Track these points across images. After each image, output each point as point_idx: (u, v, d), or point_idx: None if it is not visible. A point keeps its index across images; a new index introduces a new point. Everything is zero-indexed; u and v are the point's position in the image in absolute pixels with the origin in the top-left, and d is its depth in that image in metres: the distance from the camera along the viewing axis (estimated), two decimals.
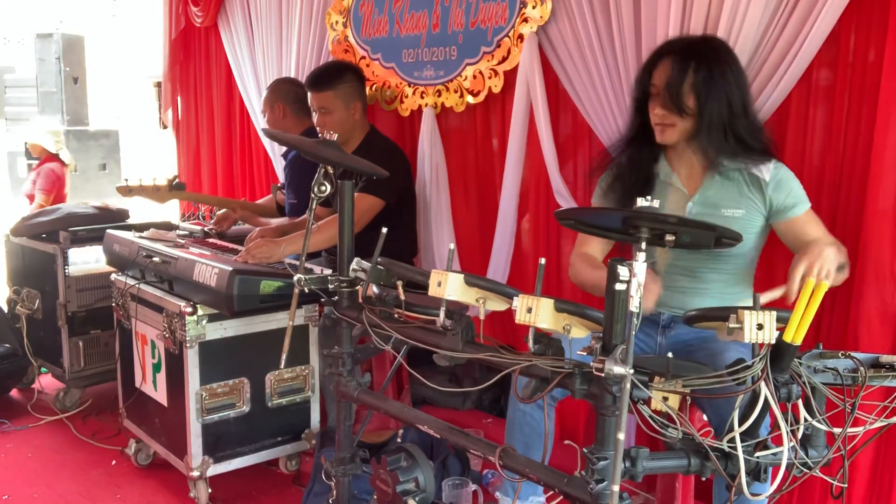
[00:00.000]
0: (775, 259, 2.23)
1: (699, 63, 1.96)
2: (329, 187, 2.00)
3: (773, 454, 1.35)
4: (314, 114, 3.06)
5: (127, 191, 3.35)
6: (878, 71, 2.02)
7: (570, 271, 2.21)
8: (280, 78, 3.60)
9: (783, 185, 2.00)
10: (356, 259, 1.89)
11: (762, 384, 1.29)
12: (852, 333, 2.10)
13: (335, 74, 3.04)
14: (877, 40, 2.04)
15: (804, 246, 1.91)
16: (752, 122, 2.04)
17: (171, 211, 4.48)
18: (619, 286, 1.27)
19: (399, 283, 1.80)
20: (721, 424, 1.70)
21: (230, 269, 2.37)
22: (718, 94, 1.96)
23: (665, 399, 1.35)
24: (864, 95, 2.08)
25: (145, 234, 3.03)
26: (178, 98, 4.76)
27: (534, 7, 2.69)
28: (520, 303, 1.46)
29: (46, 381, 3.56)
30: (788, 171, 2.03)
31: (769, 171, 2.00)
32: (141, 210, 3.88)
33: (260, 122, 4.06)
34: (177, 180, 3.40)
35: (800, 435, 1.36)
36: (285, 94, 3.40)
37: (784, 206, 2.00)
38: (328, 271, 2.16)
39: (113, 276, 2.92)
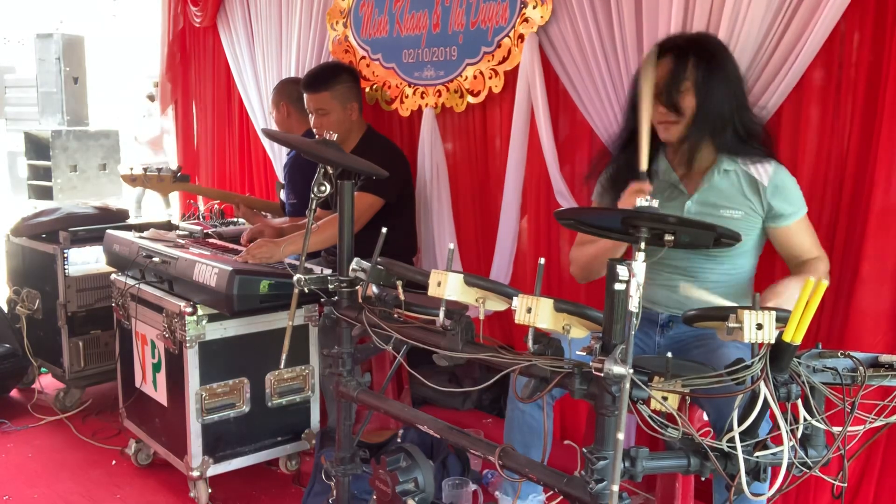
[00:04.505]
0: (777, 262, 2.23)
1: (697, 60, 1.96)
2: (329, 187, 2.00)
3: (773, 454, 1.35)
4: (311, 115, 3.07)
5: (131, 179, 3.37)
6: (879, 70, 2.02)
7: (571, 267, 2.21)
8: (285, 78, 3.61)
9: (781, 191, 1.99)
10: (356, 259, 1.89)
11: (761, 384, 1.29)
12: (851, 333, 2.09)
13: (331, 75, 3.04)
14: (878, 39, 2.04)
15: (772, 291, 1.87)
16: (750, 119, 2.04)
17: (170, 210, 4.48)
18: (618, 286, 1.26)
19: (399, 282, 1.80)
20: (721, 423, 1.70)
21: (230, 269, 2.37)
22: (717, 92, 1.96)
23: (664, 399, 1.35)
24: (864, 95, 2.08)
25: (145, 234, 3.03)
26: (178, 98, 4.76)
27: (534, 7, 2.69)
28: (519, 303, 1.46)
29: (46, 381, 3.56)
30: (788, 176, 2.01)
31: (768, 174, 1.99)
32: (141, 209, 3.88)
33: (259, 122, 4.06)
34: (181, 172, 3.41)
35: (799, 434, 1.36)
36: (289, 93, 3.41)
37: (780, 214, 1.99)
38: (328, 271, 2.16)
39: (113, 276, 2.92)
